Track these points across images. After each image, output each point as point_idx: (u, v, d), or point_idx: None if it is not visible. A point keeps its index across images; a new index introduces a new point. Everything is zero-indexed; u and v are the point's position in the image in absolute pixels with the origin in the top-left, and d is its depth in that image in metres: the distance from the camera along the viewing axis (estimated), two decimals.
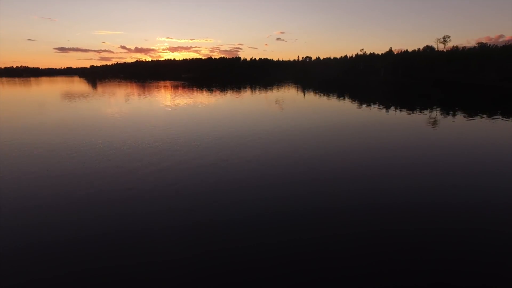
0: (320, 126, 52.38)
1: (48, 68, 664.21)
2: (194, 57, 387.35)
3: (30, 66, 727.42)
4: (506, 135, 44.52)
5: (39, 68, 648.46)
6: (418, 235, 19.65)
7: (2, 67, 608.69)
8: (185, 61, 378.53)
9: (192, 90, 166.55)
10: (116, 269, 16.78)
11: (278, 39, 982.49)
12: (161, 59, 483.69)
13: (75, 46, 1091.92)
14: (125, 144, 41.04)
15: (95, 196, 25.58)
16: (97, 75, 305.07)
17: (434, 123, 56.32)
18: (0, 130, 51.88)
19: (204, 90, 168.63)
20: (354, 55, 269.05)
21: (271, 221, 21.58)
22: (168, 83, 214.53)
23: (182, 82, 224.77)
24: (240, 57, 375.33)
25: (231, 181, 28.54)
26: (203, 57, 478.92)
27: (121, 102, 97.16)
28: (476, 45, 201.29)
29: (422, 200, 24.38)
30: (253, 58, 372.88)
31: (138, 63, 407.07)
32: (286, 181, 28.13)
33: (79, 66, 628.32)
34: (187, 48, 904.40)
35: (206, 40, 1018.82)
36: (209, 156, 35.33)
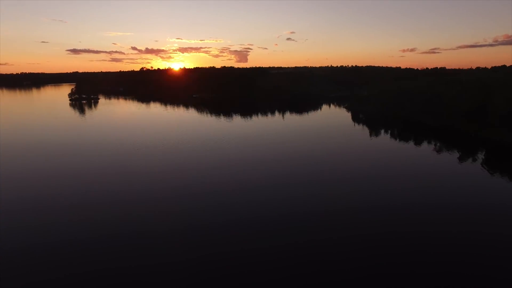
0: None
1: (53, 73, 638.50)
2: (208, 65, 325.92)
3: (39, 71, 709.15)
4: None
5: (44, 73, 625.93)
6: (419, 237, 22.64)
7: (3, 73, 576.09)
8: (197, 71, 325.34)
9: (205, 116, 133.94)
10: (119, 271, 18.95)
11: (288, 39, 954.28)
12: (171, 60, 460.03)
13: (86, 47, 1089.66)
14: (127, 148, 46.60)
15: (96, 199, 29.59)
16: (95, 86, 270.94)
17: None
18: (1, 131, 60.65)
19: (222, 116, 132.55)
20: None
21: (273, 222, 25.07)
22: (177, 108, 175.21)
23: (193, 107, 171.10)
24: (265, 67, 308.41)
25: (233, 183, 33.60)
26: (217, 64, 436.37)
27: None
28: None
29: (423, 202, 28.20)
30: (282, 67, 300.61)
31: (144, 73, 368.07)
32: (287, 184, 33.63)
33: (86, 71, 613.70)
34: (197, 49, 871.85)
35: (216, 41, 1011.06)
36: (211, 158, 42.63)
